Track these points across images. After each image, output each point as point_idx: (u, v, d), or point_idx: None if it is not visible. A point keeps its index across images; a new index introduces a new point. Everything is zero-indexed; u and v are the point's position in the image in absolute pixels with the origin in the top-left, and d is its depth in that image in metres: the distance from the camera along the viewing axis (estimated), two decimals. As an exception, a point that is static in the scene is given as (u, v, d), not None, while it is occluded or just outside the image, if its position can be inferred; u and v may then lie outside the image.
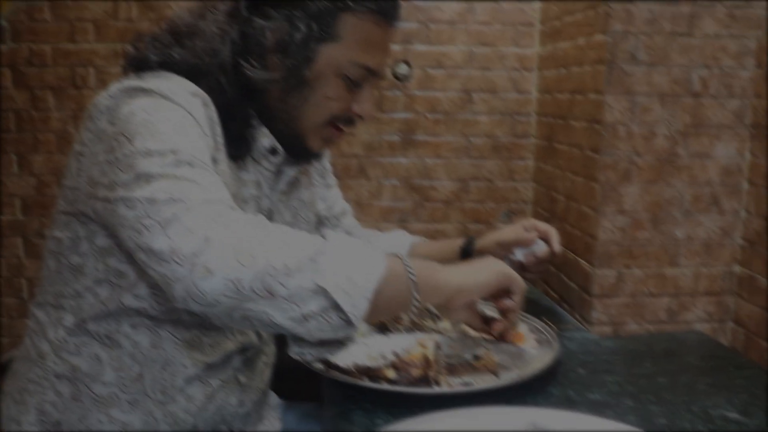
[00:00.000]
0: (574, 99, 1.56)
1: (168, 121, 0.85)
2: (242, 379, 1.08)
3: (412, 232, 1.61)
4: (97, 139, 0.88)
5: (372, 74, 1.02)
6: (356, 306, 0.80)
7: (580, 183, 1.50)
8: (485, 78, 2.11)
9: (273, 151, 1.06)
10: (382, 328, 1.28)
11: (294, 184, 1.17)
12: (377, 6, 0.99)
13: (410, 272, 0.89)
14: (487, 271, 1.02)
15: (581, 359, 1.23)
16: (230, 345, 1.04)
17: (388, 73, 1.04)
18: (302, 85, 0.99)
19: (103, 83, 2.15)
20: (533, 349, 1.18)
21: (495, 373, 1.11)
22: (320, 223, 1.32)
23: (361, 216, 1.49)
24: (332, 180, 1.37)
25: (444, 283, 0.96)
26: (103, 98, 0.90)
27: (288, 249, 0.79)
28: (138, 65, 0.97)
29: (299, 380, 1.23)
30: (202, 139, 0.88)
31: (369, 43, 1.00)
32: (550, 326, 1.26)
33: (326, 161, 1.35)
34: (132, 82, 0.90)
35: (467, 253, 1.42)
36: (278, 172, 1.09)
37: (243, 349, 1.08)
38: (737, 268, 1.42)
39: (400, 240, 1.53)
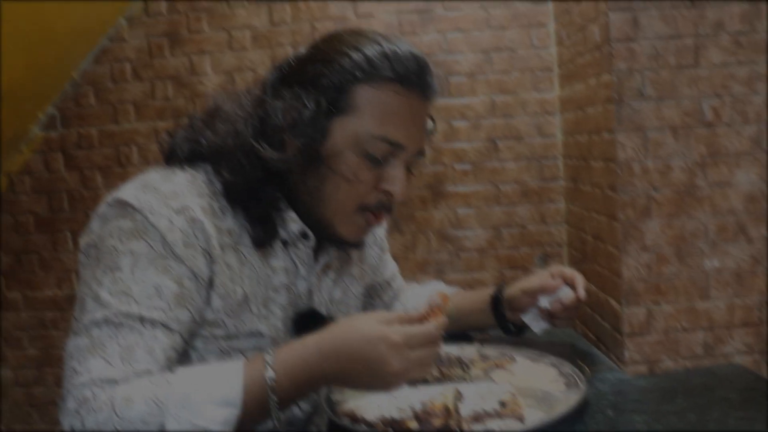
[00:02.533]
0: (592, 139, 1.57)
1: (131, 256, 0.90)
2: None
3: (448, 282, 1.62)
4: (90, 241, 0.94)
5: (396, 148, 0.97)
6: None
7: (604, 222, 1.49)
8: (509, 125, 2.14)
9: (304, 235, 1.04)
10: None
11: (345, 260, 1.16)
12: (394, 74, 0.95)
13: (271, 397, 0.87)
14: (369, 384, 0.92)
15: (611, 400, 1.21)
16: (269, 424, 1.04)
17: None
18: (319, 164, 0.97)
19: (145, 159, 2.27)
20: (560, 392, 1.17)
21: (521, 419, 1.10)
22: (372, 292, 1.32)
23: (398, 269, 1.51)
24: (386, 244, 1.35)
25: (310, 386, 0.92)
26: (102, 207, 0.95)
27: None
28: (168, 156, 1.04)
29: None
30: (164, 270, 0.90)
31: (387, 114, 0.96)
32: (580, 368, 1.24)
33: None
34: (126, 193, 0.93)
35: (498, 301, 1.42)
36: (316, 255, 1.08)
37: (289, 423, 1.08)
38: (773, 297, 1.39)
39: (436, 291, 1.54)
